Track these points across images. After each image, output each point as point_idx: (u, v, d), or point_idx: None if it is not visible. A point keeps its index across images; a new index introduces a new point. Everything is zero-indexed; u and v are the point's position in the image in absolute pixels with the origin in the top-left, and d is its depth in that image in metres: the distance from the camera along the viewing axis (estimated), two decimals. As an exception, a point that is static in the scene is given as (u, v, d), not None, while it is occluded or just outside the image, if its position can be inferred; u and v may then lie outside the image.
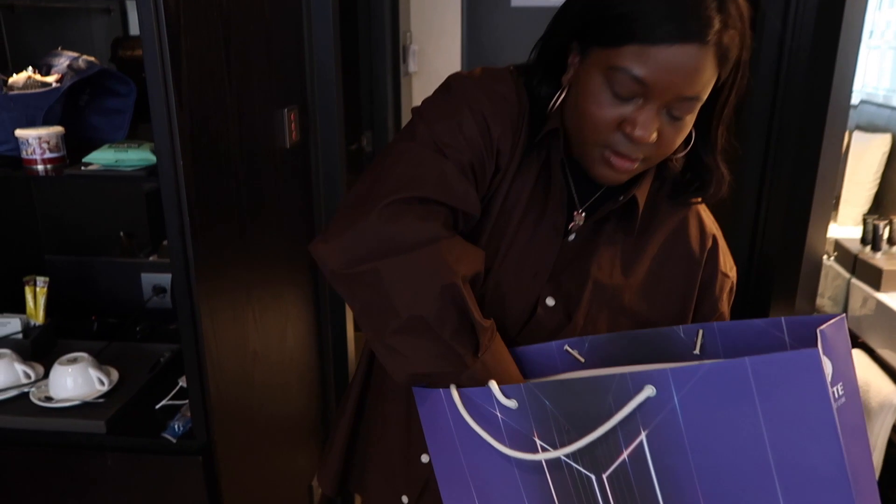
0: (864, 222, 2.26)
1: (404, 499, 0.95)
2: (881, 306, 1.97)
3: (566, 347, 0.78)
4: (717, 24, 0.70)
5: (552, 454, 0.62)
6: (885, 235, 2.18)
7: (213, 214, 1.29)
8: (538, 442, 0.64)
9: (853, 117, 2.89)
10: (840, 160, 1.79)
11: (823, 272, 2.06)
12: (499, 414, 0.65)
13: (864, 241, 2.25)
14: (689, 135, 0.80)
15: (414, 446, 0.91)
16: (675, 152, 0.81)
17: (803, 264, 1.75)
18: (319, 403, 2.07)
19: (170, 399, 1.43)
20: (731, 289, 0.92)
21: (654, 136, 0.73)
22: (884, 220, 2.21)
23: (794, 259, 1.77)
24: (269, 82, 1.53)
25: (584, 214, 0.86)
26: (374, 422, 0.99)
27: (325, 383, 2.08)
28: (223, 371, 1.35)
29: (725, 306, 0.91)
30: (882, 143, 2.72)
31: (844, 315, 0.57)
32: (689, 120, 0.76)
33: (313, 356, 1.98)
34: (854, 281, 2.19)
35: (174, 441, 1.33)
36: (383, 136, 3.03)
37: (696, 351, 0.72)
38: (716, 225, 0.92)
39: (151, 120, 1.13)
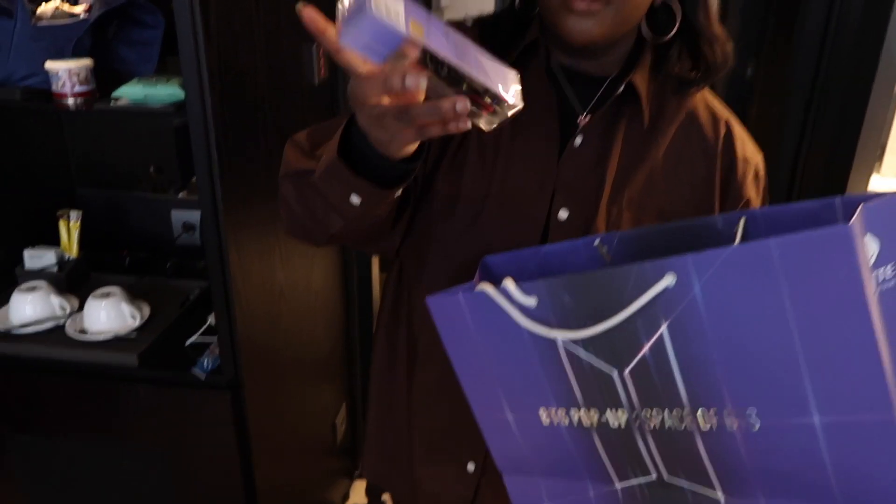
0: (909, 173, 2.18)
1: (470, 466, 0.91)
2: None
3: (596, 243, 0.74)
4: None
5: (569, 334, 0.60)
6: (930, 187, 2.11)
7: (242, 151, 1.28)
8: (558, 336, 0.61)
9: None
10: (890, 106, 1.71)
11: (862, 224, 2.00)
12: (518, 315, 0.62)
13: (907, 192, 2.18)
14: (674, 15, 0.80)
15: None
16: (664, 35, 0.81)
17: (842, 216, 1.70)
18: (344, 342, 2.09)
19: (199, 336, 1.45)
20: (757, 174, 0.89)
21: None
22: (930, 171, 2.12)
23: (833, 210, 1.71)
24: (297, 17, 1.49)
25: (588, 117, 0.84)
26: (418, 401, 0.96)
27: (350, 323, 2.11)
28: (251, 309, 1.36)
29: (752, 191, 0.88)
30: (934, 89, 2.58)
31: None
32: None
33: (338, 296, 2.00)
34: (893, 234, 2.13)
35: (203, 377, 1.36)
36: (413, 73, 2.96)
37: (737, 242, 0.66)
38: (730, 112, 0.89)
39: (179, 55, 1.11)
